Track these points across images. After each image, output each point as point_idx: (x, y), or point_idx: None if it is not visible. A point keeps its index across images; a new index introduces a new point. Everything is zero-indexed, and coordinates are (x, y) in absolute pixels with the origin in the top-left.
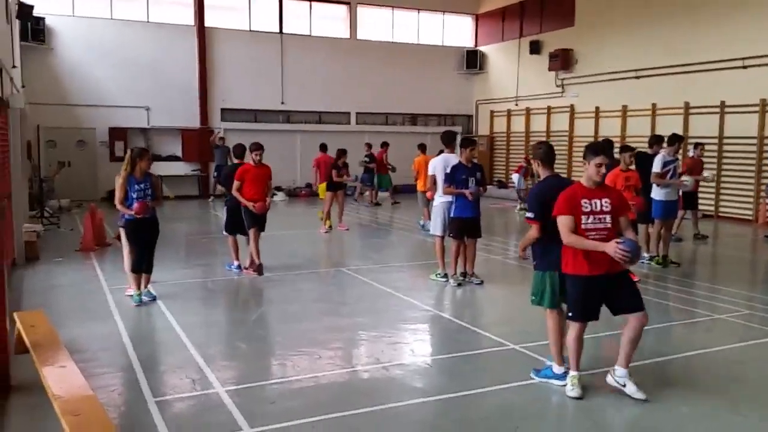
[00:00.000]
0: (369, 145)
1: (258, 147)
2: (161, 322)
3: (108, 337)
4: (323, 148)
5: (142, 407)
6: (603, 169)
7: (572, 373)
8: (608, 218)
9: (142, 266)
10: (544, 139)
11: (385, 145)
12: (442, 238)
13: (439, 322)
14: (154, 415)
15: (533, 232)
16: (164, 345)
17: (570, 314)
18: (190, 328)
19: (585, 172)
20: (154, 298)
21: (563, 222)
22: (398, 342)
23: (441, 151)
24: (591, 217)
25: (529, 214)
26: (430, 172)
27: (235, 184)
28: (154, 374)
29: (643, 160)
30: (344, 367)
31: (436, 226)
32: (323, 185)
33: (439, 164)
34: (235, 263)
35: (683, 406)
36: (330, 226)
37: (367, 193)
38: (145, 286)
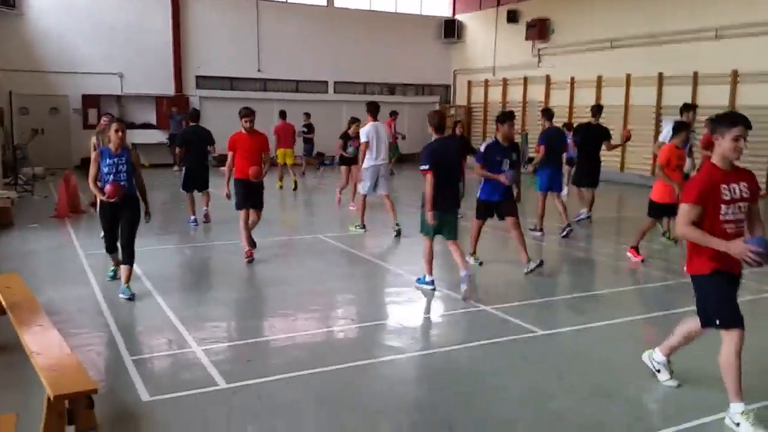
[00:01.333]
0: (308, 115)
1: (249, 113)
2: (138, 286)
3: (84, 299)
4: (283, 115)
5: (120, 366)
6: (742, 144)
7: (740, 406)
8: (745, 207)
9: (116, 249)
10: (520, 109)
11: (394, 114)
12: (365, 196)
13: (413, 286)
14: (132, 373)
15: (429, 179)
16: (140, 308)
17: (719, 322)
18: (166, 292)
19: (717, 149)
20: (131, 297)
21: (687, 211)
22: (373, 304)
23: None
24: (731, 206)
25: (424, 167)
26: (363, 139)
27: (229, 155)
28: (131, 335)
29: (586, 132)
30: (320, 327)
31: (365, 186)
32: (281, 150)
33: (371, 131)
34: (192, 218)
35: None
36: (281, 187)
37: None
38: (126, 282)
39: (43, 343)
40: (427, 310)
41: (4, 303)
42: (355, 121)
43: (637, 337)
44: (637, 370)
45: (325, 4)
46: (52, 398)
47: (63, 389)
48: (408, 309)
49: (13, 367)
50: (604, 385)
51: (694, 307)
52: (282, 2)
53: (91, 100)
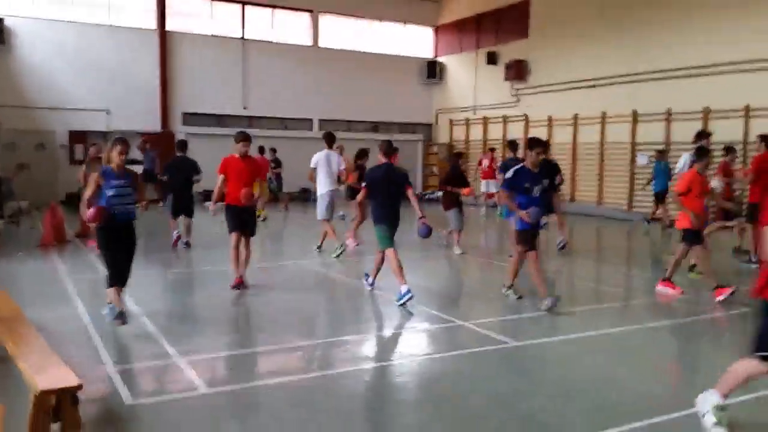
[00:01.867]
0: (274, 150)
1: (246, 138)
2: None
3: (69, 316)
4: (261, 150)
5: (104, 374)
6: None
7: (718, 400)
8: None
9: (118, 280)
10: (499, 146)
11: (395, 150)
12: (328, 220)
13: (388, 303)
14: (115, 379)
15: (360, 196)
16: (125, 325)
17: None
18: (152, 313)
19: None
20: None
21: None
22: (353, 319)
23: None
24: None
25: (363, 184)
26: (312, 165)
27: (219, 179)
28: (115, 348)
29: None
30: (300, 340)
31: (321, 212)
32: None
33: (322, 159)
34: (175, 233)
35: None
36: (264, 219)
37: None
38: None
39: (28, 348)
40: (405, 325)
41: None
42: (364, 154)
43: (605, 348)
44: (604, 375)
45: (311, 44)
46: (38, 394)
47: (49, 386)
48: (386, 323)
49: None
50: (572, 387)
51: (662, 323)
52: (267, 41)
53: (78, 136)
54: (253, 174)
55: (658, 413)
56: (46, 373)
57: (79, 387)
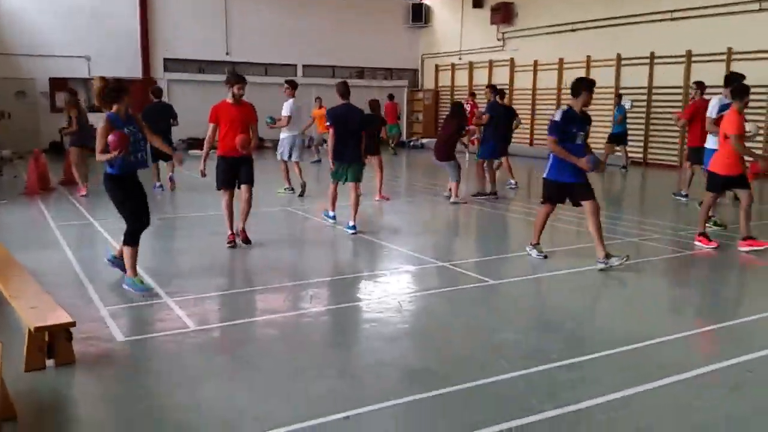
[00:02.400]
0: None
1: (239, 79)
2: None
3: (57, 262)
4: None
5: (95, 314)
6: None
7: None
8: None
9: (138, 237)
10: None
11: (391, 97)
12: (285, 162)
13: (371, 246)
14: (107, 320)
15: (331, 132)
16: (113, 269)
17: None
18: (140, 257)
19: None
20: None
21: None
22: (335, 260)
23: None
24: None
25: (328, 123)
26: (285, 113)
27: (210, 128)
28: (104, 290)
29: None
30: (284, 279)
31: (282, 153)
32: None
33: (294, 108)
34: (157, 183)
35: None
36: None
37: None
38: (120, 256)
39: (21, 289)
40: (387, 266)
41: None
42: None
43: (580, 285)
44: (579, 309)
45: None
46: (33, 330)
47: (43, 323)
48: (369, 265)
49: None
50: (545, 321)
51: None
52: None
53: (58, 84)
54: (247, 120)
55: (627, 343)
56: (39, 310)
57: (72, 324)
